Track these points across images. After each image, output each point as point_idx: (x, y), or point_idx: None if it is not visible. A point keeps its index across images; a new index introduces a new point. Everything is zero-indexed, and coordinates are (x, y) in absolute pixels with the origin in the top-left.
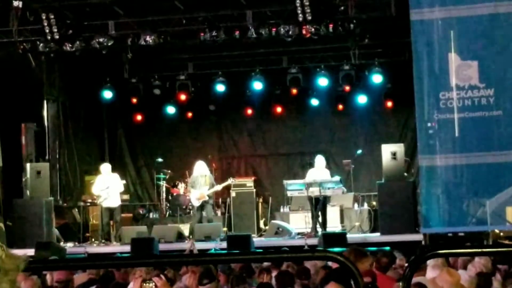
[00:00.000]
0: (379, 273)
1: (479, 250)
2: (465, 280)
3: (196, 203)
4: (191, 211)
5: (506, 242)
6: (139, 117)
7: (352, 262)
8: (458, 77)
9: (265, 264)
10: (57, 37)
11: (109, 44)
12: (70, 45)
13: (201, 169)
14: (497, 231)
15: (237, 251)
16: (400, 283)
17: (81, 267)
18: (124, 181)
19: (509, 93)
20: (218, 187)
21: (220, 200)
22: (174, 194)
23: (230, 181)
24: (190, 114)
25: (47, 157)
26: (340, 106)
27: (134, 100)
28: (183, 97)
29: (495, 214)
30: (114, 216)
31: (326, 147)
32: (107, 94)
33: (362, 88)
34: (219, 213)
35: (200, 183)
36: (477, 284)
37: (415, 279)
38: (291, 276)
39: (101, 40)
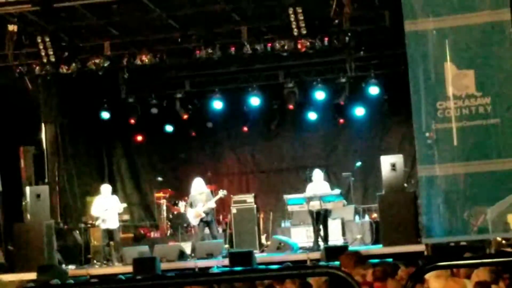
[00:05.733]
0: (378, 284)
1: (479, 261)
2: None
3: (195, 222)
4: (193, 229)
5: (509, 250)
6: (137, 137)
7: (352, 275)
8: (454, 86)
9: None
10: (53, 59)
11: (105, 65)
12: (66, 67)
13: (199, 187)
14: (499, 239)
15: (239, 269)
16: None
17: None
18: (125, 205)
19: (506, 100)
20: (212, 203)
21: (221, 217)
22: (175, 212)
23: (221, 193)
24: (188, 132)
25: (46, 180)
26: (338, 119)
27: (132, 120)
28: (181, 115)
29: (496, 222)
30: (113, 237)
31: (325, 161)
32: (105, 115)
33: (359, 100)
34: (220, 230)
35: (199, 200)
36: None
37: None
38: None
39: (97, 61)
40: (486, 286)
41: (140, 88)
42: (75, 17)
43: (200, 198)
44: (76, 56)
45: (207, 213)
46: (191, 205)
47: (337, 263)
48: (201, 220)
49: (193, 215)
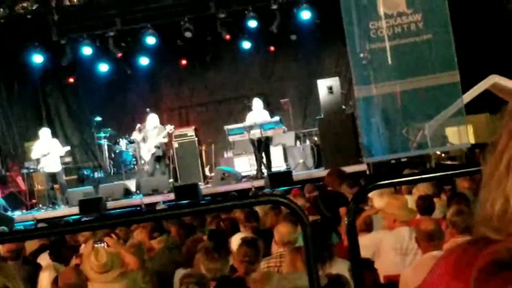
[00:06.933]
0: None
1: (419, 177)
2: (411, 205)
3: (146, 157)
4: (136, 166)
5: (448, 162)
6: (72, 78)
7: (294, 201)
8: (385, 6)
9: None
10: None
11: (33, 8)
12: None
13: (153, 122)
14: (438, 152)
15: (184, 203)
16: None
17: (35, 236)
18: (68, 147)
19: (437, 16)
20: (163, 138)
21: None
22: (117, 151)
23: (168, 128)
24: (124, 70)
25: None
26: (272, 47)
27: (65, 62)
28: (115, 53)
29: (435, 136)
30: (57, 180)
31: (263, 89)
32: (38, 59)
33: (292, 26)
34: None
35: (151, 135)
36: (420, 207)
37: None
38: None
39: (24, 4)
40: (428, 200)
41: (71, 29)
42: None
43: (153, 133)
44: (3, 1)
45: (158, 147)
46: (143, 140)
47: (281, 189)
48: (153, 154)
49: (145, 150)
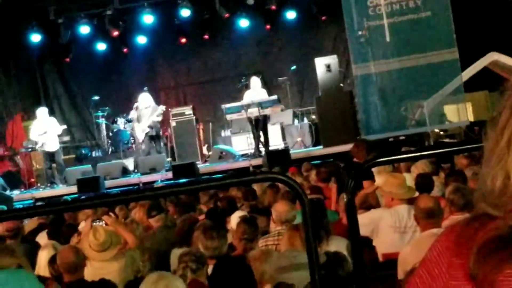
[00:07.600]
0: (322, 184)
1: (418, 154)
2: (410, 183)
3: (140, 136)
4: (133, 145)
5: (447, 140)
6: (70, 57)
7: (293, 179)
8: None
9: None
10: None
11: None
12: None
13: (145, 101)
14: (437, 130)
15: (183, 181)
16: (344, 194)
17: (33, 214)
18: (64, 126)
19: None
20: (156, 117)
21: (161, 131)
22: (115, 130)
23: (160, 109)
24: (121, 49)
25: None
26: (269, 25)
27: (63, 41)
28: (114, 32)
29: (433, 114)
30: (55, 159)
31: (260, 67)
32: (35, 38)
33: (290, 3)
34: (161, 144)
35: (144, 115)
36: (419, 185)
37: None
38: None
39: None
40: (426, 178)
41: (68, 8)
42: None
43: (145, 112)
44: None
45: (151, 127)
46: (138, 120)
47: (277, 167)
48: (146, 134)
49: (140, 129)
